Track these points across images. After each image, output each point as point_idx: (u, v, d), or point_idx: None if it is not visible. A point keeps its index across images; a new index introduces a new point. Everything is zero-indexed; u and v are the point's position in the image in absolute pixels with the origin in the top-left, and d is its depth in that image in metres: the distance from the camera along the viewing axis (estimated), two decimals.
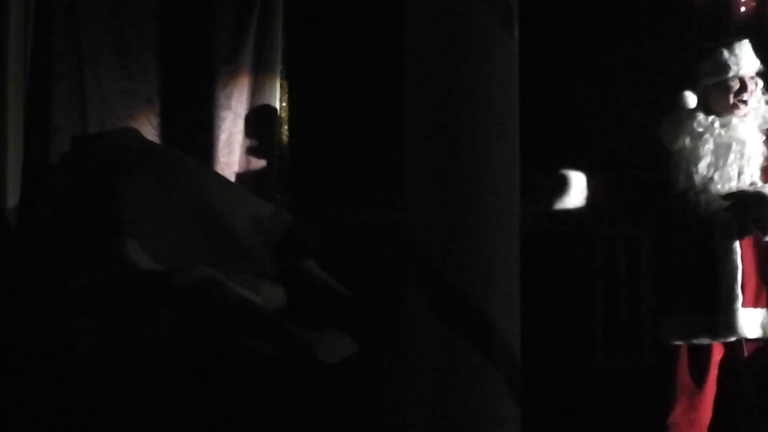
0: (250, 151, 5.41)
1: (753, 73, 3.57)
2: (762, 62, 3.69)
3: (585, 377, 5.23)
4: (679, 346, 3.57)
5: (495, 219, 2.23)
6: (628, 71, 5.62)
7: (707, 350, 3.56)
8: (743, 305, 3.49)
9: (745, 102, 3.55)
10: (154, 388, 3.44)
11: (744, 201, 3.45)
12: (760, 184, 3.53)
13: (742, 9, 5.77)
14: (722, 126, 3.55)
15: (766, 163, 3.54)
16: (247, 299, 3.59)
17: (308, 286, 4.02)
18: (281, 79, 5.52)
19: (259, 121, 5.43)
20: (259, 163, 5.41)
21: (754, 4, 5.78)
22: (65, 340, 3.56)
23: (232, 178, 5.20)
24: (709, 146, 3.53)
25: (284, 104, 5.54)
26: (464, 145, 2.22)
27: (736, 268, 3.49)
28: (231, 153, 5.35)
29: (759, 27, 5.71)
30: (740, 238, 3.48)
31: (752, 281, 3.53)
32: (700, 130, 3.55)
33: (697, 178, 3.51)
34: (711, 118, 3.56)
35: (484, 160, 2.22)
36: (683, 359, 3.58)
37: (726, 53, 3.54)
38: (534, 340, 4.80)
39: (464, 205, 2.22)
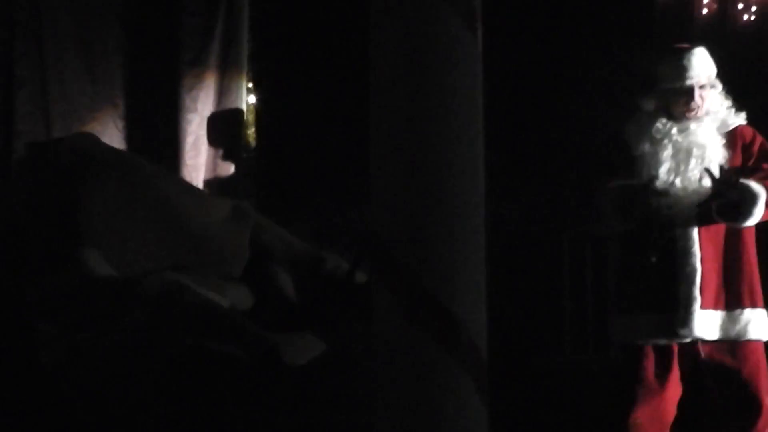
0: (217, 154, 5.39)
1: (705, 81, 3.61)
2: (722, 64, 3.72)
3: (553, 376, 5.25)
4: (642, 346, 3.59)
5: (461, 218, 2.23)
6: (595, 70, 5.65)
7: (669, 350, 3.59)
8: (702, 307, 3.52)
9: (689, 111, 3.59)
10: (120, 393, 3.41)
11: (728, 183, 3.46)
12: None
13: (705, 11, 5.83)
14: (680, 132, 3.58)
15: (726, 166, 3.57)
16: (213, 303, 3.57)
17: (272, 289, 4.01)
18: (248, 80, 5.50)
19: (225, 123, 5.40)
20: (226, 166, 5.39)
21: (716, 6, 5.84)
22: (28, 346, 3.52)
23: (199, 181, 5.18)
24: (668, 152, 3.56)
25: (251, 106, 5.52)
26: (429, 144, 2.22)
27: (695, 270, 3.52)
28: (198, 155, 5.33)
29: (720, 28, 5.78)
30: (702, 226, 3.51)
31: (712, 283, 3.56)
32: (658, 136, 3.58)
33: (658, 183, 3.54)
34: (669, 123, 3.59)
35: (450, 158, 2.23)
36: (647, 359, 3.60)
37: (679, 61, 3.59)
38: (503, 340, 4.83)
39: (430, 204, 2.22)
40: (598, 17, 5.70)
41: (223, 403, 3.40)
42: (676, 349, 3.58)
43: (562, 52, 5.68)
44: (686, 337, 3.52)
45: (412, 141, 2.24)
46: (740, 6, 5.84)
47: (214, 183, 5.27)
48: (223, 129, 5.39)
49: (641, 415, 3.56)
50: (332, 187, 5.30)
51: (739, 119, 3.65)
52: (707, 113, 3.60)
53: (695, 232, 3.53)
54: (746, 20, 5.83)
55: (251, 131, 5.50)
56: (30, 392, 3.51)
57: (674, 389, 3.59)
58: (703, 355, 3.55)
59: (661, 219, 3.52)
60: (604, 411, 3.91)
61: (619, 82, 5.45)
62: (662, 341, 3.55)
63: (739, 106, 3.67)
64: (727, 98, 3.65)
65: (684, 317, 3.50)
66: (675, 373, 3.58)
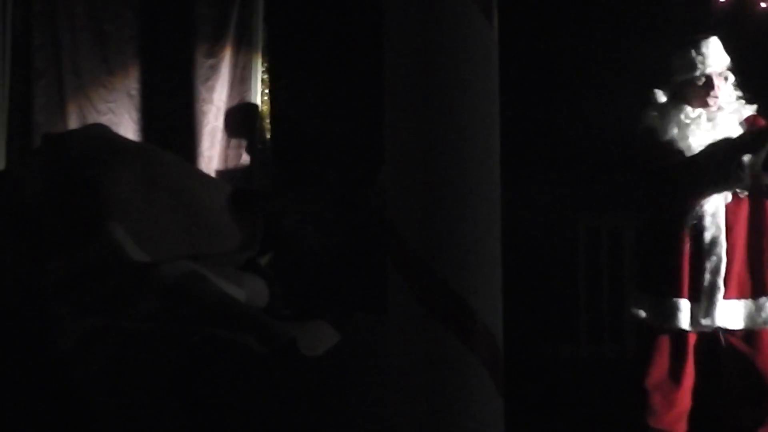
0: (233, 144, 5.40)
1: (721, 70, 3.59)
2: (738, 54, 3.71)
3: (569, 365, 5.25)
4: (658, 333, 3.60)
5: (477, 207, 2.23)
6: (612, 62, 5.63)
7: (686, 337, 3.59)
8: (726, 296, 3.52)
9: (713, 98, 3.57)
10: (135, 382, 3.42)
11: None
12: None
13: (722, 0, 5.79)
14: (709, 120, 3.57)
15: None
16: (228, 295, 3.57)
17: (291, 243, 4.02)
18: (263, 71, 5.51)
19: (240, 114, 5.41)
20: (241, 156, 5.40)
21: None
22: (45, 331, 3.53)
23: (214, 172, 5.19)
24: (697, 139, 3.55)
25: (266, 98, 5.53)
26: (445, 134, 2.22)
27: (720, 260, 3.51)
28: (213, 146, 5.34)
29: (738, 18, 5.74)
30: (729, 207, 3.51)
31: (737, 272, 3.56)
32: (687, 121, 3.56)
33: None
34: (698, 111, 3.57)
35: (465, 148, 2.22)
36: (663, 346, 3.60)
37: (694, 51, 3.57)
38: (519, 330, 4.83)
39: (446, 193, 2.21)
40: (616, 8, 5.67)
41: (238, 394, 3.41)
42: (693, 337, 3.58)
43: (578, 40, 5.66)
44: (708, 326, 3.52)
45: (428, 130, 2.23)
46: None
47: (229, 173, 5.28)
48: (239, 119, 5.40)
49: (658, 402, 3.57)
50: (347, 177, 5.30)
51: (750, 110, 3.64)
52: (720, 107, 3.60)
53: (723, 221, 3.53)
54: (764, 7, 5.79)
55: (266, 121, 5.51)
56: (46, 377, 3.53)
57: (689, 377, 3.59)
58: (723, 343, 3.55)
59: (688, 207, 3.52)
60: (619, 400, 3.92)
61: (636, 71, 5.43)
62: (685, 328, 3.55)
63: (753, 95, 3.66)
64: (736, 89, 3.64)
65: (707, 307, 3.50)
66: (690, 362, 3.58)
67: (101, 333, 3.49)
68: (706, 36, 3.64)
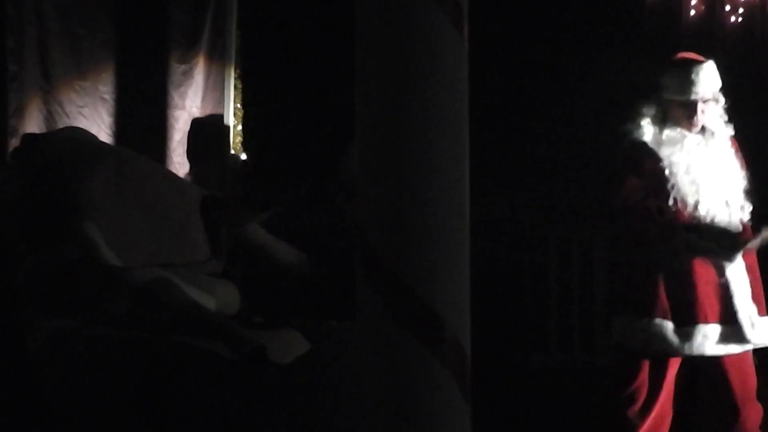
0: (204, 151, 5.38)
1: (710, 97, 3.60)
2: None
3: (539, 375, 5.27)
4: (642, 355, 3.58)
5: (445, 216, 2.23)
6: (583, 70, 5.67)
7: (665, 360, 3.59)
8: (760, 314, 3.54)
9: (695, 123, 3.59)
10: (101, 387, 3.40)
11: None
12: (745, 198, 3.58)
13: (692, 12, 5.85)
14: (697, 144, 3.58)
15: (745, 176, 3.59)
16: (197, 303, 3.56)
17: (260, 254, 4.01)
18: (236, 78, 5.50)
19: (212, 119, 5.40)
20: (212, 163, 5.39)
21: (703, 8, 5.86)
22: (13, 332, 3.51)
23: (185, 178, 5.16)
24: (687, 161, 3.56)
25: (238, 105, 5.52)
26: (414, 143, 2.23)
27: (745, 280, 3.52)
28: (185, 153, 5.32)
29: (708, 31, 5.80)
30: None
31: (760, 291, 3.58)
32: (673, 142, 3.57)
33: (685, 193, 3.53)
34: (679, 130, 3.58)
35: (434, 157, 2.23)
36: (645, 365, 3.60)
37: (687, 74, 3.56)
38: (489, 339, 4.84)
39: (414, 202, 2.22)
40: (587, 19, 5.71)
41: (205, 401, 3.39)
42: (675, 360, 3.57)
43: (549, 51, 5.70)
44: (755, 344, 3.54)
45: (398, 140, 2.24)
46: (728, 8, 5.86)
47: (199, 180, 5.26)
48: (211, 126, 5.39)
49: (638, 417, 3.57)
50: (318, 185, 5.30)
51: (729, 131, 3.66)
52: (707, 130, 3.61)
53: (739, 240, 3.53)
54: (734, 22, 5.85)
55: (239, 128, 5.50)
56: (18, 381, 3.50)
57: (668, 395, 3.60)
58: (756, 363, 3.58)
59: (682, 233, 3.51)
60: (593, 411, 3.93)
61: (607, 83, 5.47)
62: (723, 351, 3.54)
63: (728, 116, 3.68)
64: (724, 113, 3.65)
65: (751, 325, 3.51)
66: (670, 380, 3.59)
67: (69, 335, 3.47)
68: (701, 60, 3.63)
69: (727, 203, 3.56)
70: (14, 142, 4.83)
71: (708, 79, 3.58)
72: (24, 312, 3.55)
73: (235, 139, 5.46)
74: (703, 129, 3.62)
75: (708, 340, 3.51)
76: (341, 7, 2.93)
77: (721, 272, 3.52)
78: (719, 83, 3.61)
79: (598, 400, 3.88)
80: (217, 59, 5.41)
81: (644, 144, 3.60)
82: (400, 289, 2.18)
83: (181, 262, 3.85)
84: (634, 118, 3.64)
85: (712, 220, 3.52)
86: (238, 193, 5.16)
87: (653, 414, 3.58)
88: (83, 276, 3.55)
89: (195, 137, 5.32)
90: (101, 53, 5.24)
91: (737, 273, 3.53)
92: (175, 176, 4.53)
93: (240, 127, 5.50)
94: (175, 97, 5.30)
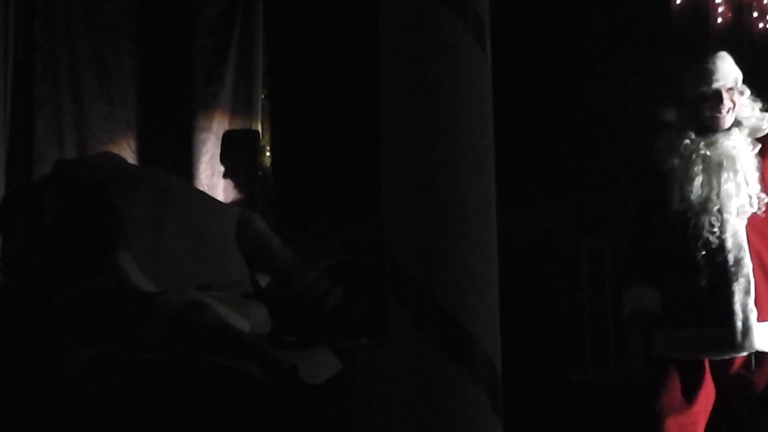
0: (233, 173, 5.41)
1: (732, 85, 3.55)
2: (741, 72, 3.69)
3: (574, 390, 5.22)
4: (672, 360, 3.55)
5: (473, 231, 2.23)
6: (612, 81, 5.64)
7: (701, 364, 3.54)
8: (759, 319, 3.48)
9: (719, 115, 3.54)
10: (137, 411, 3.41)
11: None
12: (762, 197, 3.52)
13: (719, 20, 5.81)
14: (708, 145, 3.54)
15: (762, 175, 3.53)
16: (230, 325, 3.56)
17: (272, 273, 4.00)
18: (263, 99, 5.53)
19: (240, 142, 5.43)
20: (241, 185, 5.41)
21: (730, 15, 5.82)
22: (49, 359, 3.53)
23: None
24: (699, 166, 3.51)
25: (266, 125, 5.55)
26: (441, 159, 2.23)
27: (749, 282, 3.47)
28: (213, 175, 5.35)
29: (736, 37, 5.75)
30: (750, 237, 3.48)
31: (765, 294, 3.52)
32: (686, 152, 3.53)
33: (694, 199, 3.50)
34: (697, 138, 3.54)
35: (461, 172, 2.23)
36: (676, 373, 3.56)
37: (704, 65, 3.54)
38: (523, 355, 4.81)
39: (442, 218, 2.22)
40: (613, 28, 5.69)
41: (240, 422, 3.39)
42: (707, 363, 3.53)
43: (576, 63, 5.67)
44: (747, 350, 3.48)
45: (424, 156, 2.24)
46: (755, 14, 5.82)
47: (229, 202, 5.28)
48: (238, 148, 5.41)
49: (670, 427, 3.53)
50: (347, 205, 5.30)
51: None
52: (737, 123, 3.56)
53: (745, 241, 3.48)
54: (762, 28, 5.80)
55: (267, 149, 5.52)
56: (50, 406, 3.52)
57: (704, 402, 3.55)
58: (753, 367, 3.51)
59: (701, 237, 3.48)
60: (626, 425, 3.88)
61: (636, 92, 5.43)
62: (716, 356, 3.50)
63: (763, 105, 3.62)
64: (755, 101, 3.59)
65: (744, 330, 3.45)
66: (705, 388, 3.54)
67: (105, 361, 3.48)
68: (716, 50, 3.60)
69: (740, 206, 3.50)
70: (41, 168, 4.88)
71: (726, 66, 3.54)
72: (60, 339, 3.57)
73: (263, 160, 5.49)
74: (735, 123, 3.56)
75: (763, 337, 3.46)
76: (367, 27, 2.94)
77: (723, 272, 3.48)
78: (739, 73, 3.57)
79: (635, 415, 3.83)
80: (243, 81, 5.44)
81: (656, 163, 3.58)
82: (429, 305, 2.18)
83: (218, 283, 3.86)
84: (659, 130, 3.62)
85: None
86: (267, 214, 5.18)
87: (689, 419, 3.53)
88: (117, 305, 3.57)
89: (225, 158, 5.35)
90: (129, 78, 5.30)
91: (738, 272, 3.48)
92: (210, 197, 4.54)
93: (268, 148, 5.52)
94: (201, 120, 5.34)
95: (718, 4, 5.79)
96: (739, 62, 3.70)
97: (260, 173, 5.45)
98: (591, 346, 5.46)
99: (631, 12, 5.66)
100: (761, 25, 5.79)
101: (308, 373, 3.39)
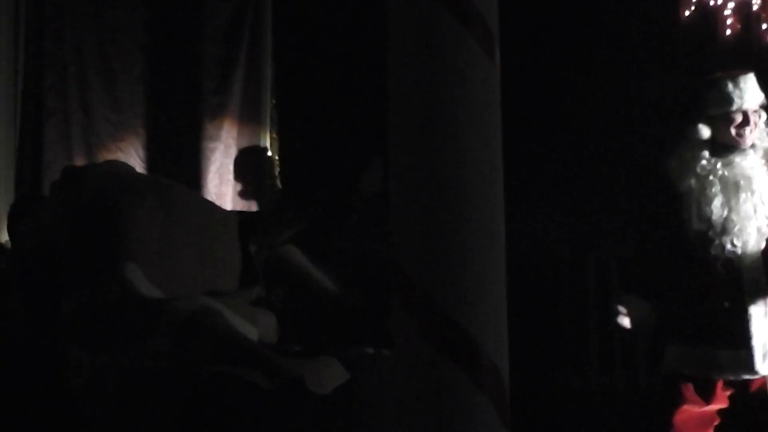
0: (241, 182, 5.43)
1: (756, 107, 3.57)
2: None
3: (580, 399, 5.21)
4: (682, 376, 3.54)
5: (480, 240, 2.23)
6: (620, 93, 5.64)
7: (713, 381, 3.54)
8: None
9: (745, 135, 3.55)
10: (145, 419, 3.41)
11: None
12: None
13: (728, 31, 5.81)
14: (725, 165, 3.54)
15: None
16: (239, 332, 3.56)
17: (295, 277, 4.00)
18: (271, 109, 5.54)
19: (248, 151, 5.44)
20: (249, 194, 5.43)
21: (739, 27, 5.82)
22: (56, 368, 3.54)
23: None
24: (717, 187, 3.51)
25: (275, 135, 5.56)
26: (447, 168, 2.23)
27: (766, 304, 3.47)
28: (222, 183, 5.37)
29: (745, 49, 5.75)
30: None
31: None
32: (704, 172, 3.53)
33: (715, 219, 3.50)
34: (714, 159, 3.54)
35: (468, 181, 2.23)
36: (688, 388, 3.55)
37: (731, 86, 3.54)
38: (529, 363, 4.81)
39: (450, 228, 2.22)
40: (621, 39, 5.69)
41: (246, 430, 3.40)
42: (720, 381, 3.53)
43: (586, 74, 5.68)
44: (763, 373, 3.47)
45: (432, 166, 2.25)
46: (765, 26, 5.82)
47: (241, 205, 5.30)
48: (247, 157, 5.43)
49: None
50: (356, 213, 5.31)
51: None
52: (752, 144, 3.57)
53: (762, 264, 3.48)
54: None
55: (276, 158, 5.53)
56: (56, 415, 3.52)
57: (713, 417, 3.54)
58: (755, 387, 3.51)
59: (722, 258, 3.47)
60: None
61: (646, 104, 5.44)
62: (731, 377, 3.49)
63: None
64: (766, 127, 3.61)
65: (763, 353, 3.45)
66: (717, 402, 3.53)
67: (112, 370, 3.49)
68: (745, 71, 3.61)
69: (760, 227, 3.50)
70: (50, 175, 4.90)
71: (753, 89, 3.56)
72: (67, 348, 3.58)
73: (271, 169, 5.50)
74: (752, 145, 3.57)
75: (716, 363, 3.46)
76: (375, 37, 2.95)
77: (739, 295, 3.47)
78: (762, 96, 3.58)
79: (640, 423, 3.83)
80: (252, 90, 5.46)
81: (670, 183, 3.57)
82: (435, 314, 2.18)
83: (225, 290, 3.86)
84: (677, 148, 3.61)
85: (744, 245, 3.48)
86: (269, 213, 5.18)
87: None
88: (124, 315, 3.57)
89: (234, 167, 5.37)
90: (137, 87, 5.32)
91: (755, 294, 3.47)
92: (216, 206, 4.56)
93: (276, 158, 5.54)
94: (210, 128, 5.35)
95: (727, 16, 5.79)
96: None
97: (268, 182, 5.47)
98: (597, 355, 5.46)
99: (640, 24, 5.67)
100: None
101: (315, 383, 3.39)
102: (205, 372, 3.44)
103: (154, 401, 3.43)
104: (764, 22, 5.78)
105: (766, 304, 3.45)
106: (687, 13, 5.80)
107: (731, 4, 5.80)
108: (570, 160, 5.67)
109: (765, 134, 3.59)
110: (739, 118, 3.52)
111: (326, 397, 3.40)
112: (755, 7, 5.80)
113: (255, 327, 3.72)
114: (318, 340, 3.95)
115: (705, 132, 3.56)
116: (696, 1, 5.80)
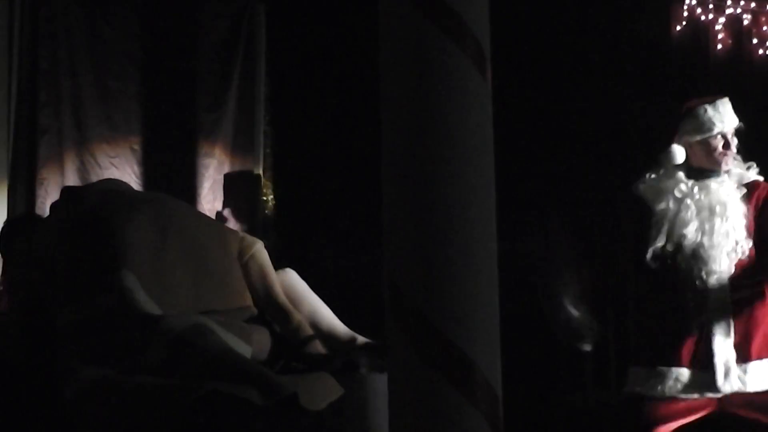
0: (235, 199, 5.43)
1: (733, 130, 3.62)
2: (739, 99, 3.74)
3: (575, 415, 5.21)
4: (645, 397, 3.56)
5: (473, 257, 2.24)
6: (609, 108, 5.67)
7: (677, 401, 3.56)
8: (738, 361, 3.49)
9: (728, 156, 3.59)
10: None
11: None
12: (747, 243, 3.55)
13: (719, 46, 5.85)
14: (701, 190, 3.57)
15: (748, 222, 3.56)
16: (231, 350, 3.56)
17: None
18: (265, 125, 5.56)
19: (242, 168, 5.46)
20: (243, 210, 5.43)
21: (730, 41, 5.86)
22: (50, 382, 3.53)
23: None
24: (693, 210, 3.54)
25: (269, 151, 5.57)
26: (440, 186, 2.24)
27: (729, 325, 3.49)
28: (215, 200, 5.38)
29: (736, 63, 5.79)
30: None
31: (744, 335, 3.53)
32: (680, 195, 3.56)
33: (687, 243, 3.52)
34: (690, 183, 3.57)
35: (461, 199, 2.24)
36: (651, 408, 3.57)
37: (710, 111, 3.58)
38: (524, 379, 4.81)
39: (442, 244, 2.23)
40: (612, 54, 5.72)
41: None
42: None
43: (576, 90, 5.70)
44: (725, 392, 3.49)
45: (424, 184, 2.26)
46: (755, 41, 5.86)
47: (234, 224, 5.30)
48: (241, 174, 5.44)
49: None
50: (350, 234, 5.32)
51: (753, 173, 3.65)
52: (727, 171, 3.60)
53: (728, 287, 3.50)
54: (762, 54, 5.84)
55: (269, 176, 5.54)
56: (50, 429, 3.52)
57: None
58: (724, 405, 3.52)
59: (690, 282, 3.49)
60: None
61: (633, 121, 5.46)
62: (694, 396, 3.51)
63: (754, 155, 3.67)
64: (738, 154, 3.65)
65: (724, 372, 3.47)
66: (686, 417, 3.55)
67: (106, 384, 3.48)
68: (720, 96, 3.66)
69: (728, 249, 3.52)
70: (43, 193, 4.90)
71: (729, 113, 3.61)
72: (61, 361, 3.57)
73: (264, 187, 5.51)
74: (727, 171, 3.61)
75: (678, 383, 3.48)
76: (368, 55, 2.97)
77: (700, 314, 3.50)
78: (737, 120, 3.63)
79: None
80: (246, 107, 5.48)
81: (644, 203, 3.59)
82: (429, 331, 2.18)
83: (221, 308, 3.86)
84: (652, 169, 3.64)
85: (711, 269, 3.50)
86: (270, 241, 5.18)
87: None
88: (119, 326, 3.57)
89: (227, 184, 5.37)
90: (132, 104, 5.33)
91: (720, 315, 3.49)
92: (213, 221, 4.55)
93: (269, 175, 5.54)
94: (204, 145, 5.37)
95: (718, 31, 5.83)
96: (739, 88, 3.75)
97: (262, 198, 5.47)
98: (592, 370, 5.47)
99: (631, 38, 5.70)
100: (761, 51, 5.83)
101: (309, 399, 3.38)
102: (199, 389, 3.44)
103: (148, 416, 3.42)
104: (754, 36, 5.82)
105: (729, 324, 3.48)
106: (678, 28, 5.83)
107: (722, 19, 5.84)
108: (563, 176, 5.69)
109: (739, 160, 3.63)
110: (720, 142, 3.57)
111: (320, 414, 3.39)
112: (746, 23, 5.84)
113: (249, 345, 3.71)
114: (311, 356, 3.94)
115: (680, 155, 3.59)
116: (687, 16, 5.84)
